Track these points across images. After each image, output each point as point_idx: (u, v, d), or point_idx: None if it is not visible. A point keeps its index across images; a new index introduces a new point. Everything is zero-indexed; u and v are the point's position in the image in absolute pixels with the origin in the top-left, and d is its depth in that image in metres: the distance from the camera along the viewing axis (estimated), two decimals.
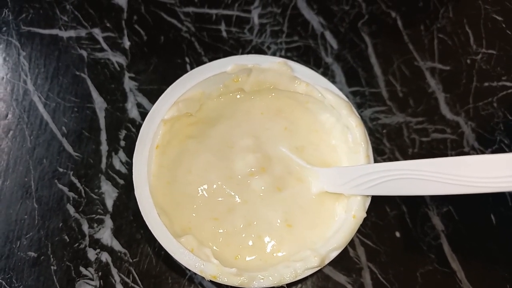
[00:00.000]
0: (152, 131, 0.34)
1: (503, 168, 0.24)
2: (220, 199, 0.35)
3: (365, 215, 0.32)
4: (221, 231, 0.34)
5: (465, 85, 0.44)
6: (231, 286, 0.30)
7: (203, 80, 0.35)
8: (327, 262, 0.31)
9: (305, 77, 0.35)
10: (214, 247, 0.33)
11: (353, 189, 0.32)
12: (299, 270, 0.30)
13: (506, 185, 0.24)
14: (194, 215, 0.34)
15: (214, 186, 0.35)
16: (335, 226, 0.33)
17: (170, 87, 0.35)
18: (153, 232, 0.31)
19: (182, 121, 0.36)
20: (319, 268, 0.30)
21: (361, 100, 0.43)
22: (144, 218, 0.32)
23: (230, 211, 0.34)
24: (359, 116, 0.34)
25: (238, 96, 0.38)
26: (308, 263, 0.30)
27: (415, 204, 0.39)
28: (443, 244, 0.38)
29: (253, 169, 0.35)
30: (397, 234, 0.38)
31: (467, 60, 0.45)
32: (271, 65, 0.35)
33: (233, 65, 0.35)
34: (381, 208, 0.39)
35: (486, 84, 0.44)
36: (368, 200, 0.32)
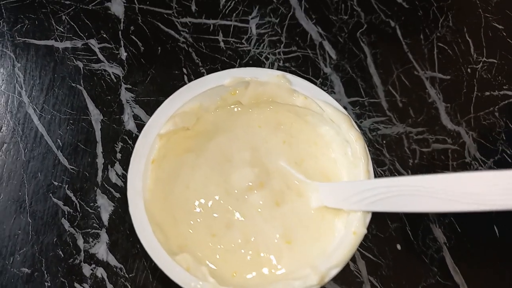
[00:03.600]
0: (148, 145, 0.33)
1: (508, 185, 0.23)
2: (217, 215, 0.34)
3: (365, 231, 0.31)
4: (219, 247, 0.33)
5: (466, 94, 0.43)
6: None
7: (200, 94, 0.34)
8: (326, 280, 0.30)
9: (304, 90, 0.35)
10: (212, 264, 0.32)
11: (354, 205, 0.31)
12: None
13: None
14: (191, 231, 0.33)
15: (212, 201, 0.34)
16: (335, 242, 0.32)
17: (167, 100, 0.34)
18: (147, 251, 0.30)
19: (179, 134, 0.36)
20: (318, 287, 0.30)
21: (361, 110, 0.42)
22: (139, 236, 0.31)
23: (228, 227, 0.33)
24: (358, 130, 0.34)
25: (235, 109, 0.37)
26: (307, 281, 0.29)
27: (416, 216, 0.39)
28: (446, 257, 0.38)
29: (251, 184, 0.34)
30: (398, 247, 0.38)
31: (467, 69, 0.44)
32: (269, 78, 0.35)
33: (230, 78, 0.34)
34: (382, 221, 0.38)
35: (487, 93, 0.44)
36: (369, 216, 0.32)
